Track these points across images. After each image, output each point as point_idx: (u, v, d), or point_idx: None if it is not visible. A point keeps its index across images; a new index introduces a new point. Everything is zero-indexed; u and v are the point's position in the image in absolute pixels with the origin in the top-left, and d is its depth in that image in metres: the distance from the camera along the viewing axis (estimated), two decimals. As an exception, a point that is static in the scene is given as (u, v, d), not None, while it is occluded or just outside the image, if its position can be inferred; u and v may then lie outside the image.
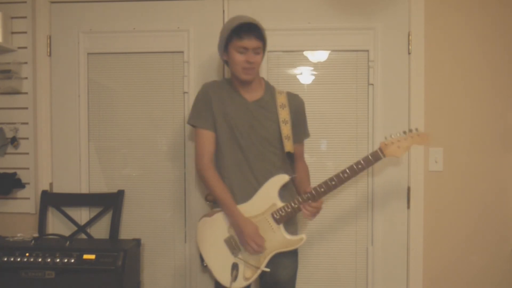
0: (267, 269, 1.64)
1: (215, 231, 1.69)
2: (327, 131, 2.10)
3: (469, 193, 2.08)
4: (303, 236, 1.66)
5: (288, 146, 1.69)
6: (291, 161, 1.80)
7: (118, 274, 1.81)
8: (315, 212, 1.64)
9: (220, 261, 1.67)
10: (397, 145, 1.61)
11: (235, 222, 1.63)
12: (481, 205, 2.08)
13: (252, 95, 1.73)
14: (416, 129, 1.65)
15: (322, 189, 1.61)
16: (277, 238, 1.64)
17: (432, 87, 2.07)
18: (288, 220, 1.66)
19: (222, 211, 1.68)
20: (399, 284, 2.10)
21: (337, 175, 1.61)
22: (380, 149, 1.62)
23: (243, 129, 1.69)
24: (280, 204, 1.64)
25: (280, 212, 1.63)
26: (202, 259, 1.71)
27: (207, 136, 1.70)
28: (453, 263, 2.09)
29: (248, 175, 1.68)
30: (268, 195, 1.65)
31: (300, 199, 1.62)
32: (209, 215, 1.72)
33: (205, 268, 1.72)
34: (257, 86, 1.75)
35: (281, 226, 1.64)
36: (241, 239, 1.63)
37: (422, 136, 1.64)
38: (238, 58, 1.63)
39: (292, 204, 1.62)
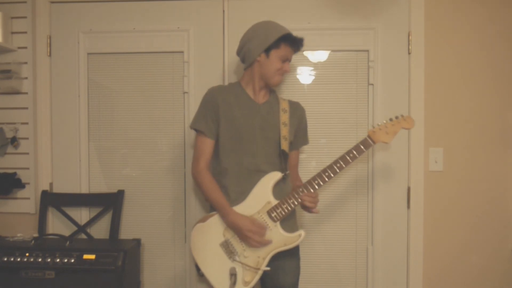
0: (268, 268, 1.61)
1: (210, 236, 1.65)
2: (327, 131, 2.10)
3: (469, 193, 2.09)
4: (301, 232, 1.63)
5: (284, 144, 1.70)
6: (285, 160, 1.80)
7: (118, 274, 1.81)
8: (315, 201, 1.64)
9: (217, 267, 1.63)
10: (385, 131, 1.66)
11: (231, 220, 1.60)
12: (481, 205, 2.09)
13: (262, 98, 1.75)
14: (402, 115, 1.69)
15: (317, 181, 1.63)
16: (275, 237, 1.61)
17: (432, 87, 2.07)
18: (285, 217, 1.63)
19: (216, 215, 1.66)
20: (399, 284, 2.10)
21: (330, 166, 1.64)
22: (369, 136, 1.66)
23: (252, 131, 1.68)
24: (274, 201, 1.63)
25: (276, 209, 1.61)
26: (198, 268, 1.66)
27: (207, 143, 1.69)
28: (453, 263, 2.10)
29: (256, 177, 1.66)
30: (262, 194, 1.64)
31: (296, 194, 1.62)
32: (203, 220, 1.69)
33: (201, 278, 1.69)
34: (268, 90, 1.78)
35: (278, 224, 1.62)
36: (241, 236, 1.61)
37: (407, 120, 1.69)
38: (278, 65, 1.68)
39: (288, 200, 1.62)
